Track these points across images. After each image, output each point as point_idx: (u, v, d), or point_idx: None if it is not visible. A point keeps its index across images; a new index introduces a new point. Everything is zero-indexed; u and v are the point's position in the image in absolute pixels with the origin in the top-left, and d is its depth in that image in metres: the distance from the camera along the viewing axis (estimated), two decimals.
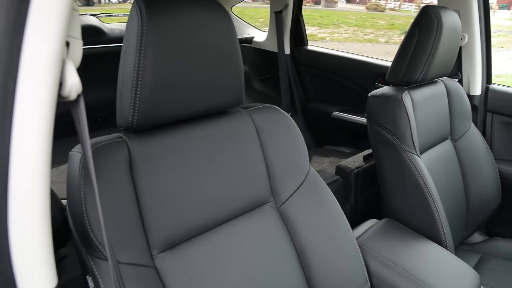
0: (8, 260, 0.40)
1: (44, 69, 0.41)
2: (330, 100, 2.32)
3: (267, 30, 2.50)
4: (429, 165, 1.26)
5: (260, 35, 2.59)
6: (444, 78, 1.47)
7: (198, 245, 0.74)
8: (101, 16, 2.48)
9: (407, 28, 1.31)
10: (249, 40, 2.57)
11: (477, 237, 1.61)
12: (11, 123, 0.39)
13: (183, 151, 0.74)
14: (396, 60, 1.30)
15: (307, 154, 0.91)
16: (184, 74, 0.70)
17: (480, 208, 1.44)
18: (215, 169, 0.78)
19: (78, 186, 0.61)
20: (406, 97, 1.24)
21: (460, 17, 1.55)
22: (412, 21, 1.30)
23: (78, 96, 0.47)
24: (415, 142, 1.22)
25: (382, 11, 14.99)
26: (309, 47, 2.37)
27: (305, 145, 0.91)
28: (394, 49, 1.32)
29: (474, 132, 1.49)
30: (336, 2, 16.30)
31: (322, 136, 2.42)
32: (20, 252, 0.41)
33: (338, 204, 0.91)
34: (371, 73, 2.06)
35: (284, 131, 0.89)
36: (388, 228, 1.19)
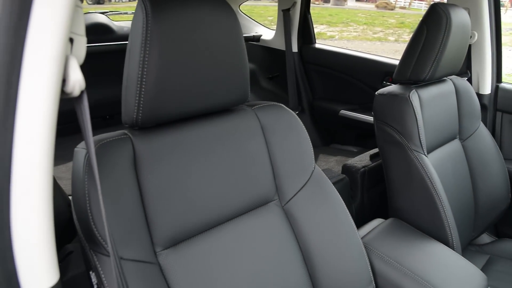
0: (11, 254, 0.40)
1: (47, 65, 0.41)
2: (338, 99, 2.30)
3: (275, 28, 2.49)
4: (437, 165, 1.25)
5: (268, 33, 2.59)
6: (453, 77, 1.45)
7: (202, 243, 0.74)
8: (110, 14, 2.50)
9: None
10: (257, 38, 2.57)
11: (485, 238, 1.59)
12: (14, 119, 0.40)
13: (187, 149, 0.75)
14: (404, 59, 1.29)
15: (313, 153, 0.91)
16: (189, 72, 0.70)
17: (488, 208, 1.42)
18: (219, 167, 0.78)
19: (82, 182, 0.62)
20: (414, 96, 1.22)
21: (469, 14, 1.52)
22: None
23: (82, 92, 0.47)
24: (422, 141, 1.21)
25: (392, 9, 14.86)
26: (316, 45, 2.36)
27: (311, 144, 0.91)
28: (403, 48, 1.30)
29: (483, 132, 1.47)
30: (345, 1, 16.19)
31: (329, 134, 2.41)
32: (22, 246, 0.41)
33: (344, 204, 0.91)
34: (379, 72, 2.04)
35: (290, 129, 0.89)
36: (394, 228, 1.18)
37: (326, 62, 2.30)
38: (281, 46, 2.41)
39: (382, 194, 1.42)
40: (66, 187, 1.21)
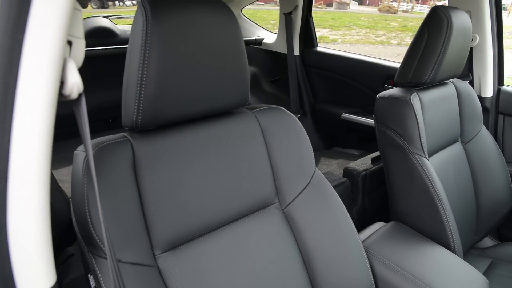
0: (7, 257, 0.40)
1: (45, 68, 0.41)
2: (339, 102, 2.30)
3: (277, 32, 2.50)
4: (438, 168, 1.24)
5: (270, 37, 2.59)
6: (454, 80, 1.45)
7: (202, 246, 0.74)
8: (113, 18, 2.51)
9: None
10: (259, 42, 2.57)
11: (488, 242, 1.58)
12: (11, 121, 0.40)
13: (187, 151, 0.75)
14: (405, 61, 1.29)
15: (313, 156, 0.90)
16: (189, 74, 0.70)
17: (490, 212, 1.42)
18: (219, 170, 0.78)
19: (81, 184, 0.62)
20: (415, 99, 1.22)
21: (471, 17, 1.52)
22: None
23: (80, 95, 0.48)
24: (423, 144, 1.21)
25: (394, 13, 14.87)
26: (318, 49, 2.36)
27: (311, 147, 0.91)
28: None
29: (485, 135, 1.47)
30: (348, 4, 16.22)
31: (331, 138, 2.40)
32: (19, 249, 0.41)
33: (344, 207, 0.90)
34: (380, 75, 2.04)
35: (290, 132, 0.88)
36: (395, 231, 1.18)
37: (328, 65, 2.30)
38: (283, 49, 2.41)
39: (383, 198, 1.42)
40: (68, 189, 1.22)
